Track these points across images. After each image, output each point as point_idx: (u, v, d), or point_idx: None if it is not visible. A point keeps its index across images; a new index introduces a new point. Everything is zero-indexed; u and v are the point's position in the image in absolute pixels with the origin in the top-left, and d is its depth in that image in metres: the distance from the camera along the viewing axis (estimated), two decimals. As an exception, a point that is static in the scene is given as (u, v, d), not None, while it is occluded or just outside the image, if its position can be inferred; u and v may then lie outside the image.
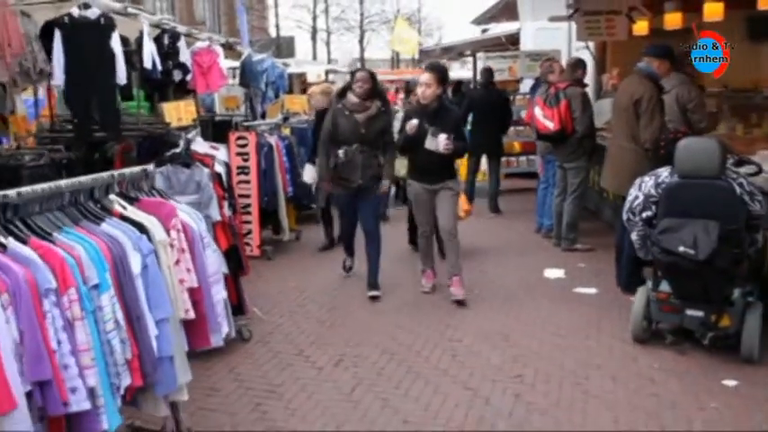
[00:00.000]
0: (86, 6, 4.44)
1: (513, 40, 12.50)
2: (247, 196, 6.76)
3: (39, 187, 2.50)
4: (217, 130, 7.62)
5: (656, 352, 4.54)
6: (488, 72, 9.45)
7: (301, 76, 17.09)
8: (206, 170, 4.40)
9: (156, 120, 7.45)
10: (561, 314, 5.29)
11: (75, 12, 4.47)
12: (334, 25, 41.05)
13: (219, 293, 3.16)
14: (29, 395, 2.23)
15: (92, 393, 2.38)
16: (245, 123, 7.26)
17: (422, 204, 5.70)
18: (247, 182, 6.80)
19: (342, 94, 5.85)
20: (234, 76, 10.57)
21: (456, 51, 16.90)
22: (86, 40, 4.49)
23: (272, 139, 7.24)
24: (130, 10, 4.96)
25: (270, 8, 34.91)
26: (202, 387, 4.02)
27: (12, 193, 2.40)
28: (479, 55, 12.39)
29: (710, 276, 4.18)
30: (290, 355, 4.65)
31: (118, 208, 2.78)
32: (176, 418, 3.34)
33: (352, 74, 5.90)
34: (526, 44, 11.53)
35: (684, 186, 4.29)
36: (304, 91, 14.50)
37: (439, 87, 5.47)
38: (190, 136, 4.61)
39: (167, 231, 2.80)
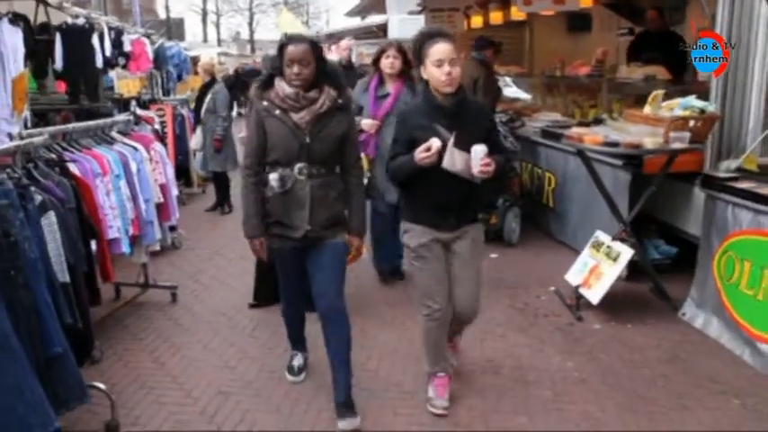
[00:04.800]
0: (76, 17, 6.75)
1: (384, 28, 15.12)
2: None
3: (83, 124, 4.84)
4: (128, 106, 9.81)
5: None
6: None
7: (195, 59, 19.09)
8: (149, 126, 6.69)
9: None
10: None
11: (70, 20, 6.77)
12: (223, 7, 42.84)
13: (175, 191, 5.57)
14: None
15: (118, 231, 4.72)
16: (163, 98, 9.51)
17: (432, 263, 3.69)
18: (165, 144, 9.04)
19: (266, 84, 3.69)
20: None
21: (337, 37, 19.39)
22: (77, 38, 6.76)
23: (184, 111, 9.53)
24: (93, 15, 7.24)
25: (159, -11, 36.24)
26: (152, 272, 6.27)
27: (70, 126, 4.74)
28: (352, 42, 14.91)
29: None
30: (210, 254, 7.10)
31: (119, 138, 5.13)
32: (146, 273, 5.70)
33: (281, 48, 3.61)
34: (393, 33, 14.17)
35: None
36: (197, 73, 16.52)
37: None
38: (134, 103, 6.87)
39: (148, 151, 5.17)
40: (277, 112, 3.61)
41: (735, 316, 4.67)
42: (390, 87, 5.59)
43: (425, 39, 3.61)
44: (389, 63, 5.53)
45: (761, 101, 5.11)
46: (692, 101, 5.14)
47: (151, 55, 8.70)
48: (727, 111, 5.28)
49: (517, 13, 9.76)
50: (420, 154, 3.43)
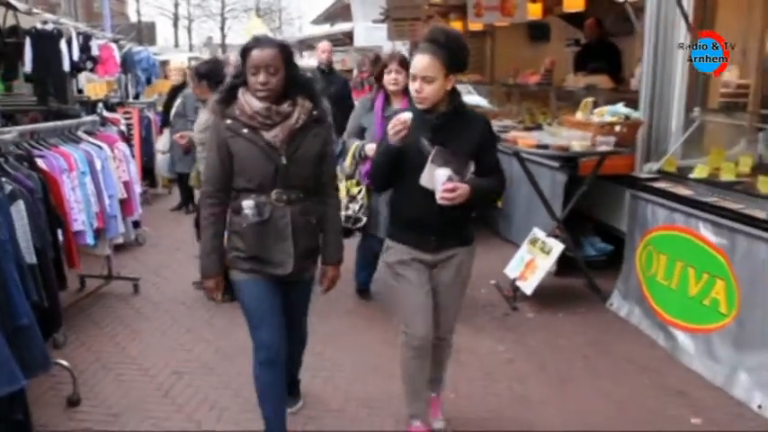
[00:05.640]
0: (45, 23, 7.13)
1: (351, 35, 15.56)
2: (132, 156, 9.35)
3: (50, 124, 5.21)
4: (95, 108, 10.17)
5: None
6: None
7: (165, 63, 19.41)
8: (115, 127, 7.05)
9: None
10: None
11: (39, 26, 7.14)
12: (195, 12, 43.08)
13: (138, 189, 5.94)
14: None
15: (83, 224, 5.08)
16: (130, 101, 9.86)
17: (409, 284, 3.35)
18: (131, 145, 9.39)
19: (228, 96, 3.20)
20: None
21: (307, 43, 19.90)
22: (46, 43, 7.14)
23: (150, 114, 9.88)
24: (63, 20, 7.62)
25: (129, -7, 36.47)
26: (116, 266, 6.64)
27: (40, 126, 5.10)
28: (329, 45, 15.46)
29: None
30: (172, 250, 7.49)
31: (85, 137, 5.50)
32: (109, 266, 6.05)
33: (244, 54, 3.12)
34: (359, 40, 14.62)
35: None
36: (166, 77, 16.84)
37: (448, 79, 3.14)
38: (100, 105, 7.23)
39: (112, 150, 5.54)
40: (245, 130, 3.10)
41: (652, 304, 5.14)
42: (398, 106, 4.91)
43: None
44: (392, 79, 5.00)
45: (681, 108, 5.63)
46: (620, 108, 5.62)
47: (119, 59, 9.08)
48: (655, 117, 5.79)
49: (475, 24, 10.26)
50: (391, 130, 3.04)
